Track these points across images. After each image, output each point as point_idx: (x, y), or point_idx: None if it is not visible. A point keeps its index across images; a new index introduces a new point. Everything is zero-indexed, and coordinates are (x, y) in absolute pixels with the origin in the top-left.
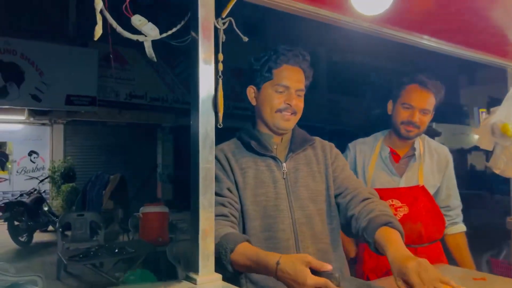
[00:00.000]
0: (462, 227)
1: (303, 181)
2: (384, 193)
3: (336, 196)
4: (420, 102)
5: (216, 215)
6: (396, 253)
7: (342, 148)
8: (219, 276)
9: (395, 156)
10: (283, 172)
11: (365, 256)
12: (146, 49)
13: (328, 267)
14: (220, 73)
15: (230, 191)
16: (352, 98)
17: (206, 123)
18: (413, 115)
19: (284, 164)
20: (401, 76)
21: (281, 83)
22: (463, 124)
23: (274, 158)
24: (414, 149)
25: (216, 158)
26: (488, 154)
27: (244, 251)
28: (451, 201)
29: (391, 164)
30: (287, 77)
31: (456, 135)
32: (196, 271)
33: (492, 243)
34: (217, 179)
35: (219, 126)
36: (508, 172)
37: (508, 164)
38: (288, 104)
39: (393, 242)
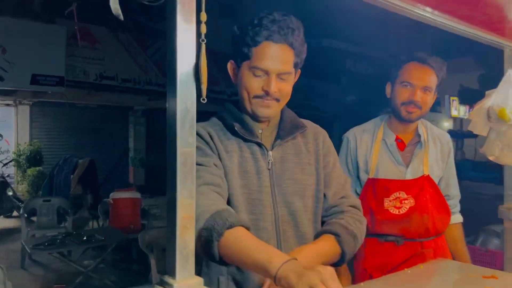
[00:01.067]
0: (459, 218)
1: (290, 173)
2: (391, 184)
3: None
4: (421, 79)
5: (205, 184)
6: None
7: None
8: (200, 280)
9: (400, 144)
10: (269, 162)
11: (366, 253)
12: (111, 5)
13: None
14: (203, 36)
15: (218, 169)
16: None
17: (185, 97)
18: (414, 94)
19: (270, 153)
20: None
21: (258, 66)
22: (434, 112)
23: (259, 144)
24: (419, 135)
25: (197, 133)
26: (458, 141)
27: (240, 235)
28: (450, 190)
29: (397, 153)
30: (266, 59)
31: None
32: (172, 274)
33: (467, 230)
34: (201, 151)
35: (202, 101)
36: (503, 158)
37: (503, 150)
38: (266, 90)
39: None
